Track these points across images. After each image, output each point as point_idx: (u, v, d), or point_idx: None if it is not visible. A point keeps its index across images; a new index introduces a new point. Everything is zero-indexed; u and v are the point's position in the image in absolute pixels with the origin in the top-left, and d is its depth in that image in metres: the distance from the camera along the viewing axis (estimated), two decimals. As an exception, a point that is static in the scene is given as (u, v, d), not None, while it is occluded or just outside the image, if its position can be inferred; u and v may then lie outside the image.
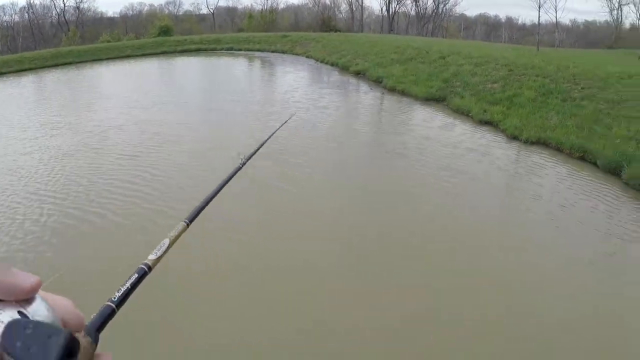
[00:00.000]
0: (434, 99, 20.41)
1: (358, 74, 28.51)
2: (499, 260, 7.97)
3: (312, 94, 22.71)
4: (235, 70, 34.23)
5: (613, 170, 11.84)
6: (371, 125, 18.09)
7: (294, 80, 27.80)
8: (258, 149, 2.67)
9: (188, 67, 38.70)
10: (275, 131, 3.44)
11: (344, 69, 30.67)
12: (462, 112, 18.03)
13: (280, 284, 7.11)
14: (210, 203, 1.50)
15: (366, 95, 23.39)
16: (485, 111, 17.06)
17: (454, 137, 15.33)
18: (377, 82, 25.36)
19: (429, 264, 7.72)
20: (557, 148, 13.65)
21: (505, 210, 10.35)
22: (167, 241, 1.07)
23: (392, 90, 23.10)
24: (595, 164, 12.46)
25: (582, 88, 17.38)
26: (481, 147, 14.15)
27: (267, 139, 2.96)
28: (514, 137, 14.78)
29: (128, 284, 0.85)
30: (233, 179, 1.76)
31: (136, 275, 0.89)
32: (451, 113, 18.44)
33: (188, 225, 1.24)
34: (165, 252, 1.03)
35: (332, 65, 33.05)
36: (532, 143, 14.22)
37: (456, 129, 16.36)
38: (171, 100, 22.16)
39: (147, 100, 22.17)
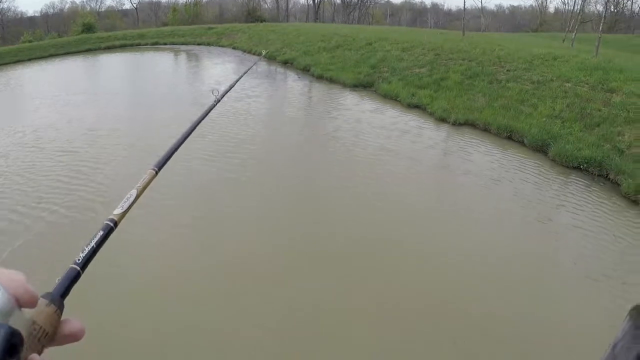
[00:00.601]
0: (362, 85, 20.17)
1: (286, 63, 28.03)
2: (446, 232, 8.06)
3: (243, 84, 21.88)
4: (161, 65, 32.86)
5: (540, 148, 12.04)
6: (303, 112, 17.64)
7: (222, 71, 27.15)
8: (232, 85, 2.72)
9: (113, 63, 36.66)
10: (248, 70, 3.19)
11: (271, 58, 30.09)
12: (390, 97, 17.86)
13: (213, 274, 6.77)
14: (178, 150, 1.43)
15: (295, 84, 22.88)
16: (413, 95, 16.96)
17: (384, 120, 15.07)
18: (305, 70, 24.98)
19: (373, 244, 7.59)
20: (484, 129, 13.72)
21: (442, 186, 10.34)
22: (134, 192, 1.03)
23: (320, 77, 22.76)
24: (522, 142, 12.59)
25: (507, 70, 17.52)
26: (411, 129, 14.06)
27: (240, 77, 2.98)
28: (442, 119, 14.75)
29: (93, 243, 0.81)
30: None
31: (101, 233, 0.85)
32: (380, 98, 18.23)
33: (157, 172, 1.19)
34: (132, 204, 0.99)
35: (259, 55, 32.43)
36: (460, 124, 14.24)
37: (386, 113, 16.09)
38: (100, 98, 20.82)
39: (76, 98, 20.57)
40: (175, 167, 10.27)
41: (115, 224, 0.89)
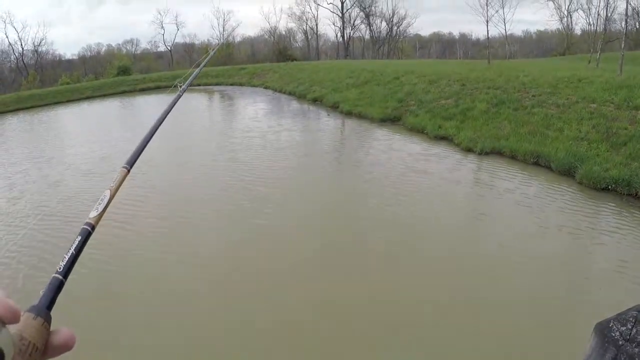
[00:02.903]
0: (390, 119, 20.49)
1: (315, 100, 28.56)
2: (482, 237, 8.54)
3: (280, 121, 23.41)
4: (197, 106, 33.69)
5: (567, 172, 12.04)
6: (336, 146, 18.37)
7: (255, 111, 27.68)
8: (196, 74, 2.51)
9: (150, 104, 37.79)
10: (207, 60, 3.28)
11: (301, 97, 30.69)
12: (417, 130, 18.10)
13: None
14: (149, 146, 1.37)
15: (323, 121, 23.36)
16: (439, 127, 17.19)
17: (410, 154, 15.39)
18: (334, 107, 25.41)
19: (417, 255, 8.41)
20: (511, 156, 13.80)
21: (475, 215, 10.46)
22: (107, 193, 0.98)
23: (349, 114, 23.15)
24: (549, 167, 12.61)
25: (532, 96, 17.62)
26: (439, 162, 14.26)
27: (203, 65, 2.84)
28: (468, 149, 14.90)
29: (72, 250, 0.78)
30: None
31: (79, 238, 0.81)
32: (407, 132, 18.52)
33: (129, 170, 1.14)
34: (107, 205, 0.95)
35: (289, 94, 33.01)
36: (487, 153, 14.36)
37: (412, 147, 16.35)
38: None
39: (120, 136, 22.33)
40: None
41: (93, 227, 0.86)
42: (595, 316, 4.69)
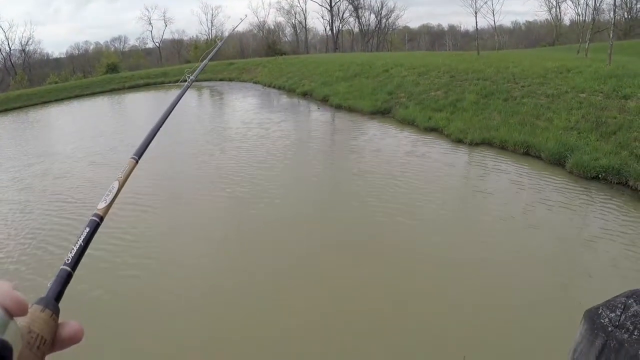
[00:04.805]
0: (380, 112, 20.44)
1: (305, 94, 28.46)
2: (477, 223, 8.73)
3: (269, 114, 23.60)
4: (188, 103, 33.65)
5: (557, 162, 12.08)
6: (328, 137, 18.64)
7: (247, 105, 27.69)
8: (205, 64, 2.48)
9: (140, 102, 38.09)
10: (214, 51, 3.23)
11: (290, 91, 30.65)
12: (407, 122, 18.08)
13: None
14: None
15: (314, 114, 23.35)
16: (429, 118, 17.16)
17: (401, 145, 15.42)
18: (324, 101, 25.33)
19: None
20: (501, 146, 13.82)
21: (465, 209, 10.38)
22: (116, 184, 0.98)
23: (338, 107, 23.06)
24: (539, 157, 12.64)
25: (522, 86, 17.65)
26: (427, 153, 14.27)
27: (209, 58, 2.80)
28: (459, 141, 14.90)
29: (81, 241, 0.78)
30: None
31: (88, 230, 0.81)
32: (397, 124, 18.49)
33: (137, 161, 1.13)
34: (115, 196, 0.94)
35: (279, 88, 32.97)
36: (477, 144, 14.37)
37: (403, 138, 16.38)
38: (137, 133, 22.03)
39: (114, 131, 22.84)
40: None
41: (101, 218, 0.86)
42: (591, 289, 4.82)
